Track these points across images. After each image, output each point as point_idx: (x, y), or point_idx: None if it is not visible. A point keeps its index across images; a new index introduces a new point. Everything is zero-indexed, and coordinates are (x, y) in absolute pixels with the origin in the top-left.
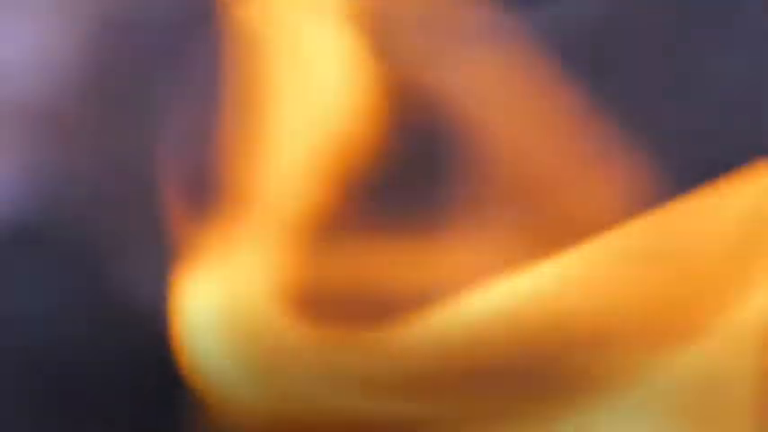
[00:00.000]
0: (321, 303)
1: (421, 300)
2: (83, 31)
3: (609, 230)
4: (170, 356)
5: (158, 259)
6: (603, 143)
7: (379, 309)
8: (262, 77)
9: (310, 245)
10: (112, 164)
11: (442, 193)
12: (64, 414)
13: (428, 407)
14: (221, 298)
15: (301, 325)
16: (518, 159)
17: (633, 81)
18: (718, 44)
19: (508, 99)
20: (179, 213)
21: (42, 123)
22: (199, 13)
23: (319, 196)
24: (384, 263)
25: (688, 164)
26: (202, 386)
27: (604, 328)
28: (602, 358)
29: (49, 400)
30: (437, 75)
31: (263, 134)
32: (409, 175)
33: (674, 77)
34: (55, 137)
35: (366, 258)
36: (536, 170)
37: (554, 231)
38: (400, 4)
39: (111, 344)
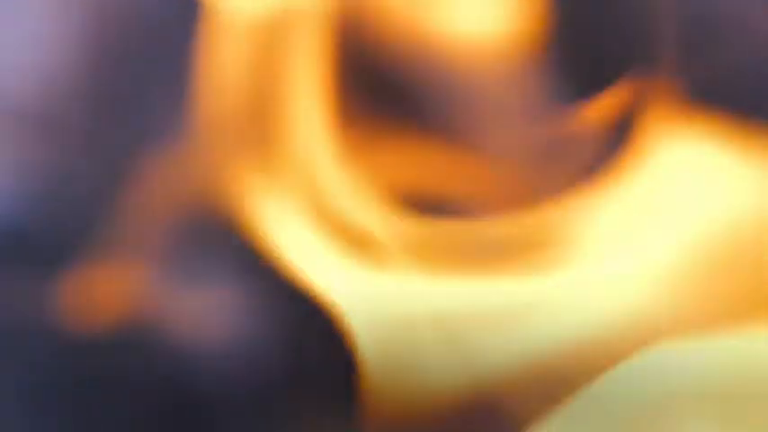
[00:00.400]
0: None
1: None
2: (78, 30)
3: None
4: (171, 355)
5: (156, 258)
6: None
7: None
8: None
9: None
10: (108, 163)
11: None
12: (66, 420)
13: None
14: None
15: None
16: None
17: None
18: None
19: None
20: None
21: (38, 123)
22: (195, 10)
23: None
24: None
25: None
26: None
27: None
28: None
29: (49, 403)
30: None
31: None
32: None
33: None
34: (50, 136)
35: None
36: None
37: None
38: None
39: (110, 343)
